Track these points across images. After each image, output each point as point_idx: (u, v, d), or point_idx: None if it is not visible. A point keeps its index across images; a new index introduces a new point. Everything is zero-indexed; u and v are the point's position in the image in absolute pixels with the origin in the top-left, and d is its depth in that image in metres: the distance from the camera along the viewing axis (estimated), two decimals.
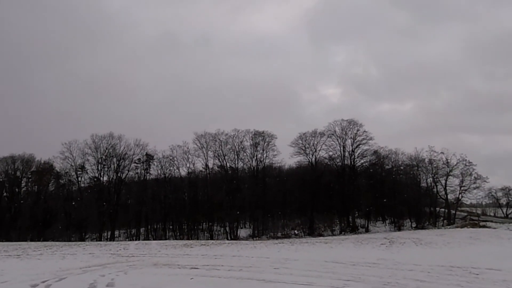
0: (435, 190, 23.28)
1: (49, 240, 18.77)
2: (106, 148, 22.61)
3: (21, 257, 7.60)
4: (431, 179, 23.40)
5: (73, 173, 23.88)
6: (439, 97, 52.39)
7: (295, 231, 21.75)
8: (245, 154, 23.25)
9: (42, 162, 24.85)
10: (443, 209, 23.30)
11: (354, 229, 20.89)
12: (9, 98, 45.34)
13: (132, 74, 56.40)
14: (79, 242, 16.26)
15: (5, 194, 25.86)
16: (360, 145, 22.54)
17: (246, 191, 22.17)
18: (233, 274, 4.76)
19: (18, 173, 24.73)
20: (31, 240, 18.51)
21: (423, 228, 20.44)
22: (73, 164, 23.01)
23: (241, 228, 22.89)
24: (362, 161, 23.31)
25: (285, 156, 29.48)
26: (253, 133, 23.03)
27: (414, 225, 21.46)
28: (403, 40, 59.17)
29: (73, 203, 22.33)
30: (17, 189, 25.39)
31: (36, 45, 54.41)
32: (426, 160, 23.04)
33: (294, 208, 22.43)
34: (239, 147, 23.04)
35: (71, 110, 45.32)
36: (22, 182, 25.31)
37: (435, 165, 22.76)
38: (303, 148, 22.85)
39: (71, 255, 7.85)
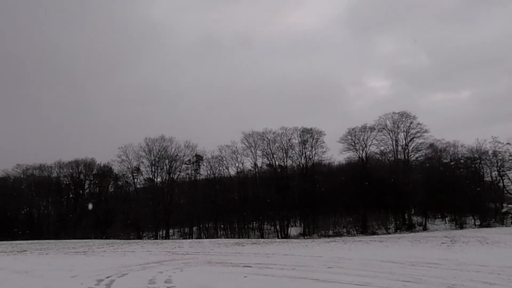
0: (501, 184, 21.35)
1: (110, 238, 19.94)
2: (159, 150, 23.57)
3: (87, 253, 8.18)
4: (496, 172, 21.47)
5: (129, 175, 25.22)
6: (499, 83, 48.20)
7: (347, 229, 21.23)
8: (293, 151, 23.06)
9: (102, 165, 26.63)
10: (511, 205, 21.41)
11: (410, 227, 19.87)
12: (72, 108, 48.97)
13: (177, 79, 58.12)
14: (137, 240, 17.08)
15: (71, 195, 28.13)
16: (414, 139, 21.32)
17: (295, 189, 22.01)
18: (286, 273, 4.72)
19: (81, 176, 26.68)
20: (95, 238, 19.81)
21: (488, 226, 18.94)
22: (129, 166, 24.28)
23: (291, 226, 22.78)
24: (417, 155, 22.05)
25: (334, 152, 28.93)
26: (301, 130, 22.77)
27: (477, 222, 19.88)
28: (454, 24, 55.18)
29: (132, 205, 23.57)
30: (81, 191, 27.44)
31: (89, 58, 58.04)
32: (490, 152, 21.11)
33: (345, 205, 21.82)
34: (287, 145, 22.90)
35: (126, 116, 47.91)
36: (85, 184, 27.26)
37: (500, 157, 20.74)
38: (353, 143, 22.13)
39: (130, 252, 8.28)
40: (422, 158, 22.45)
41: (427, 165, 22.70)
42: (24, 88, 52.61)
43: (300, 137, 23.12)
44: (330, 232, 20.75)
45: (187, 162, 24.73)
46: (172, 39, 64.83)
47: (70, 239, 20.03)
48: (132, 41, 62.48)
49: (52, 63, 59.22)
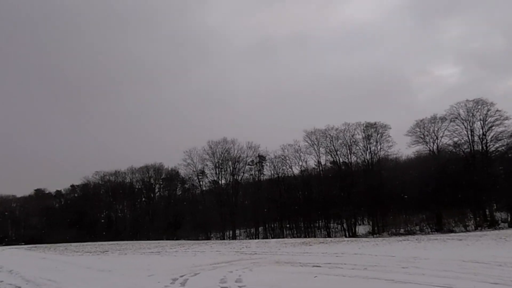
0: None
1: (180, 239, 20.93)
2: (222, 153, 24.23)
3: (161, 253, 8.64)
4: None
5: (195, 178, 26.30)
6: None
7: (420, 227, 19.99)
8: (357, 147, 22.24)
9: (170, 169, 28.16)
10: None
11: (493, 224, 18.04)
12: (140, 117, 52.41)
13: (234, 81, 59.27)
14: (206, 241, 17.71)
15: (143, 199, 30.13)
16: (493, 127, 19.24)
17: (362, 186, 21.24)
18: (358, 273, 4.54)
19: (152, 180, 28.45)
20: (166, 239, 20.93)
21: None
22: (194, 169, 25.29)
23: (359, 224, 22.03)
24: (497, 145, 19.83)
25: (401, 146, 27.38)
26: (364, 125, 21.87)
27: None
28: None
29: (199, 206, 24.54)
30: (152, 194, 29.26)
31: (153, 70, 61.52)
32: None
33: (416, 202, 20.49)
34: (351, 141, 22.14)
35: (189, 120, 50.07)
36: (156, 188, 29.00)
37: None
38: (422, 136, 20.70)
39: (200, 253, 8.58)
40: (503, 148, 20.08)
41: (509, 155, 20.38)
42: (104, 102, 57.62)
43: (363, 132, 22.21)
44: (401, 230, 19.72)
45: (250, 163, 25.09)
46: (228, 43, 66.56)
47: (144, 240, 21.44)
48: (189, 49, 65.26)
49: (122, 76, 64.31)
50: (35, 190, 27.98)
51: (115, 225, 25.87)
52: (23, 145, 47.09)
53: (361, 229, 21.41)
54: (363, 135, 23.37)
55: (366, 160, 23.81)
